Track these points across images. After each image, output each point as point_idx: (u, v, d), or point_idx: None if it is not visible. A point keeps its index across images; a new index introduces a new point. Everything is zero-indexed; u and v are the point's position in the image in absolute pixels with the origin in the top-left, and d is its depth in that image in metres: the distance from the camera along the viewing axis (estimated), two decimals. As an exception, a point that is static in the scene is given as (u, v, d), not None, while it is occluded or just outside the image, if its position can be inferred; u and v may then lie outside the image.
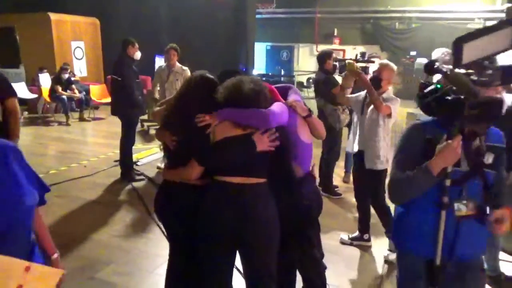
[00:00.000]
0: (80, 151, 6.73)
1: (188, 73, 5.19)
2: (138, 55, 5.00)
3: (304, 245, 2.24)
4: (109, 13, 11.19)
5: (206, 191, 1.83)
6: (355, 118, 3.61)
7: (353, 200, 4.46)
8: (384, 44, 15.14)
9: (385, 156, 3.28)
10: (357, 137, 3.48)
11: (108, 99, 10.05)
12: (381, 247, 3.51)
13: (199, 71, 2.02)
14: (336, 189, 5.04)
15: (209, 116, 1.80)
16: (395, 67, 3.41)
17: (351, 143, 4.13)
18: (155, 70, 5.63)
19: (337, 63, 4.50)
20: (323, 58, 4.76)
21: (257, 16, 15.00)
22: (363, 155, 3.34)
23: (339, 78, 4.63)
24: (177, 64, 5.25)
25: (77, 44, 10.78)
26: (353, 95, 3.56)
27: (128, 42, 4.94)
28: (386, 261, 3.33)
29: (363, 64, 4.49)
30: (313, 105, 4.16)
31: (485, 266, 1.92)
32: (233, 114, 1.79)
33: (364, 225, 3.59)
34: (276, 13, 15.94)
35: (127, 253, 3.35)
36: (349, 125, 4.78)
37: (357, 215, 3.75)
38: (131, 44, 4.94)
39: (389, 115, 3.24)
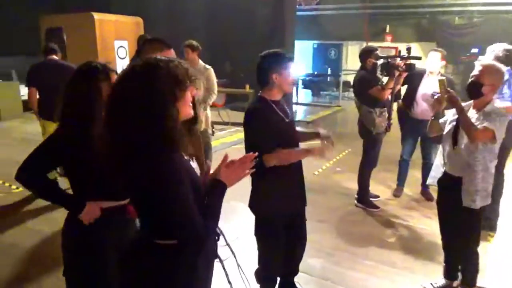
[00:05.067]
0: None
1: (212, 72, 4.82)
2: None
3: None
4: (153, 12, 11.22)
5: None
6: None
7: (394, 217, 4.01)
8: (442, 41, 13.95)
9: (486, 190, 2.56)
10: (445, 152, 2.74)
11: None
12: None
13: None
14: (374, 200, 4.51)
15: None
16: (503, 69, 2.57)
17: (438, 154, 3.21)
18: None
19: (377, 61, 3.96)
20: (364, 55, 4.28)
21: (303, 13, 14.47)
22: (458, 183, 2.59)
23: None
24: (200, 62, 4.87)
25: (120, 43, 10.86)
26: (442, 121, 2.83)
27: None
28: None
29: (408, 61, 3.92)
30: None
31: None
32: None
33: (452, 271, 2.88)
34: (324, 9, 15.29)
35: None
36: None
37: (395, 238, 3.24)
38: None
39: (492, 139, 2.44)
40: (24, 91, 6.32)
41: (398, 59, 3.92)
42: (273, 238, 2.56)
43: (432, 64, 4.29)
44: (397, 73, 3.91)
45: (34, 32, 10.11)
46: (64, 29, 10.20)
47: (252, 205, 2.58)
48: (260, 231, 2.61)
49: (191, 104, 1.40)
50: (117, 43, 10.83)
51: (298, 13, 12.83)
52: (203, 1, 10.89)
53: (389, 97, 4.04)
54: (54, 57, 4.73)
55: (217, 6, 10.85)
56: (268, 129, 2.33)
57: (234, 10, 10.59)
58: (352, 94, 12.39)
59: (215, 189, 1.48)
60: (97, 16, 10.09)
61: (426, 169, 4.62)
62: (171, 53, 2.19)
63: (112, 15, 10.62)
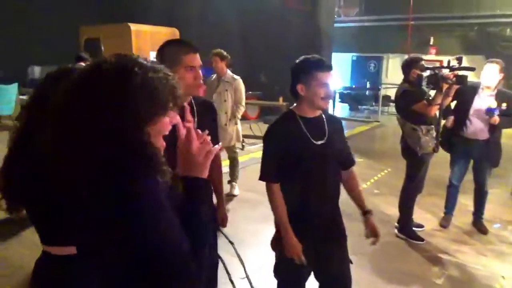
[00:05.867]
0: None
1: (240, 83, 4.58)
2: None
3: None
4: (188, 23, 11.24)
5: None
6: None
7: (442, 252, 3.52)
8: (491, 54, 13.04)
9: None
10: None
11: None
12: None
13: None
14: (418, 230, 4.01)
15: None
16: None
17: None
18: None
19: (423, 73, 3.48)
20: (407, 66, 3.83)
21: (342, 24, 14.06)
22: None
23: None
24: (228, 72, 4.64)
25: (155, 54, 10.91)
26: None
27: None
28: None
29: (459, 73, 3.41)
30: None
31: None
32: None
33: None
34: (363, 20, 14.80)
35: None
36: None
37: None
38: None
39: None
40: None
41: (447, 70, 3.41)
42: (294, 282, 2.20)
43: (488, 78, 3.78)
44: (446, 86, 3.39)
45: (74, 42, 10.36)
46: (102, 39, 10.39)
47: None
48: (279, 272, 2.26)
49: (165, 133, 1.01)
50: (152, 53, 10.89)
51: (337, 24, 12.47)
52: (238, 12, 10.78)
53: (437, 113, 3.54)
54: (82, 64, 4.68)
55: (252, 17, 10.71)
56: (277, 150, 2.03)
57: (269, 20, 10.38)
58: (392, 109, 11.88)
59: (188, 197, 1.04)
60: (133, 27, 10.20)
61: (479, 196, 4.09)
62: (197, 59, 1.90)
63: (148, 26, 10.73)
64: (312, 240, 2.07)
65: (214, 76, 4.74)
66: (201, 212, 1.05)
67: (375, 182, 5.83)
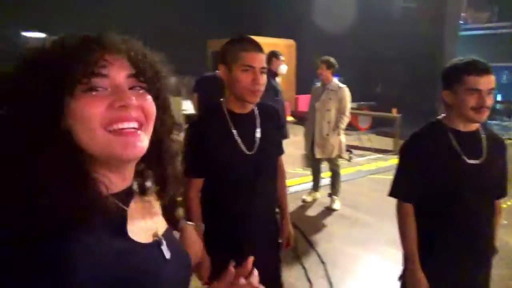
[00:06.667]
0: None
1: (346, 92, 4.52)
2: (282, 68, 4.69)
3: None
4: (305, 34, 11.51)
5: None
6: None
7: None
8: None
9: None
10: None
11: (287, 118, 10.29)
12: None
13: None
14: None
15: None
16: None
17: None
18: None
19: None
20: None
21: (468, 32, 12.94)
22: None
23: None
24: (333, 80, 4.58)
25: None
26: None
27: (272, 54, 4.62)
28: None
29: None
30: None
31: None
32: None
33: None
34: (495, 27, 13.37)
35: None
36: None
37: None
38: (275, 57, 4.61)
39: None
40: (186, 105, 7.15)
41: None
42: None
43: None
44: None
45: (203, 54, 11.40)
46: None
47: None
48: None
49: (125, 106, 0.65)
50: (270, 65, 11.48)
51: (463, 32, 11.54)
52: (356, 22, 10.72)
53: None
54: (217, 71, 5.18)
55: (370, 26, 10.53)
56: (416, 167, 1.68)
57: (389, 29, 10.09)
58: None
59: None
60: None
61: None
62: (258, 58, 1.60)
63: (267, 38, 11.29)
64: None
65: (319, 84, 4.71)
66: None
67: (503, 210, 5.14)
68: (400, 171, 1.76)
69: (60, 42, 0.64)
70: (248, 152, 1.69)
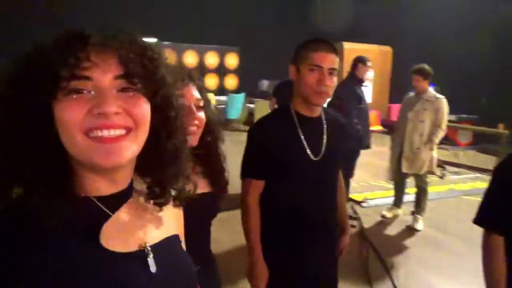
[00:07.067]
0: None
1: (443, 103, 4.18)
2: (368, 75, 4.46)
3: None
4: (402, 41, 11.00)
5: None
6: None
7: None
8: None
9: None
10: None
11: (376, 127, 9.84)
12: None
13: None
14: None
15: None
16: None
17: None
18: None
19: None
20: None
21: None
22: None
23: None
24: (429, 90, 4.25)
25: (364, 71, 11.15)
26: None
27: (358, 59, 4.43)
28: None
29: None
30: None
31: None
32: None
33: None
34: None
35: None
36: None
37: None
38: (361, 62, 4.39)
39: None
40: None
41: None
42: None
43: None
44: None
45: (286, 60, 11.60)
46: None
47: None
48: None
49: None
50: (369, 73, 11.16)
51: None
52: (459, 27, 9.87)
53: None
54: None
55: (478, 31, 9.62)
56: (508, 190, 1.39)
57: (496, 34, 9.12)
58: None
59: None
60: (347, 45, 10.66)
61: None
62: (328, 58, 1.54)
63: (362, 45, 11.03)
64: None
65: (413, 93, 4.42)
66: None
67: None
68: (488, 194, 1.48)
69: (44, 43, 0.61)
70: (313, 158, 1.67)
